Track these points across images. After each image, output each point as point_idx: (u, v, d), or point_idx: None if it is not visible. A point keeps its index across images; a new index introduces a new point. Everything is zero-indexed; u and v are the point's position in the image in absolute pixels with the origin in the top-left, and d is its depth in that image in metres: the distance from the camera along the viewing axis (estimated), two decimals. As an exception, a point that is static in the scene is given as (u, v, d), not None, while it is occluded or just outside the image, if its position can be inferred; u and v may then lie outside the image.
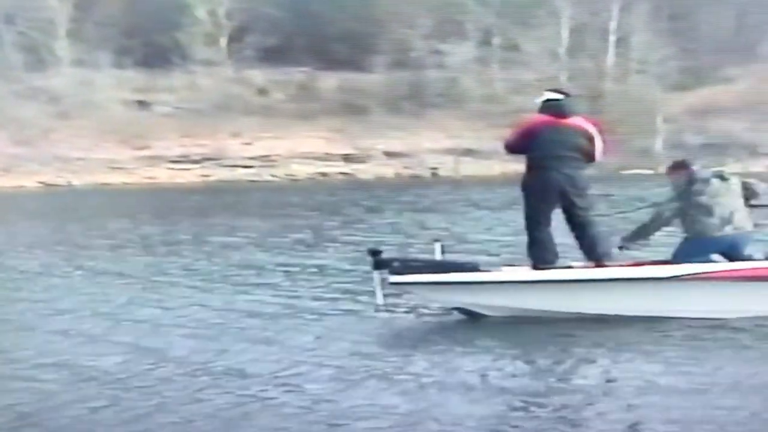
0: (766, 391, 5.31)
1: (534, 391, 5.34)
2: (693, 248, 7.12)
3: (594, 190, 7.54)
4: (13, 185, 37.84)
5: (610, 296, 6.95)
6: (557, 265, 7.26)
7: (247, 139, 43.59)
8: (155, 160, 42.84)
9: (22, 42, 44.46)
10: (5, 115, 39.69)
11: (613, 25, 46.19)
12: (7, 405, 5.24)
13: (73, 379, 5.72)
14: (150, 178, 41.76)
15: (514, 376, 5.66)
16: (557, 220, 7.34)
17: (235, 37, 46.71)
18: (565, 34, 45.82)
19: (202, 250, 13.09)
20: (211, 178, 41.58)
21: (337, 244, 13.43)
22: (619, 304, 6.93)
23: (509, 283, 7.24)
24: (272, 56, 44.78)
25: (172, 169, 42.61)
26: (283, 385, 5.44)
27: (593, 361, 6.01)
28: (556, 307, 7.05)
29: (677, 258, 7.15)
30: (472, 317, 7.27)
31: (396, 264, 7.32)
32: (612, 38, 46.34)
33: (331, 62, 44.64)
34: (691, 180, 7.25)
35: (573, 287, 7.05)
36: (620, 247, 7.36)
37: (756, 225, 7.32)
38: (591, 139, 7.33)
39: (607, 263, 7.20)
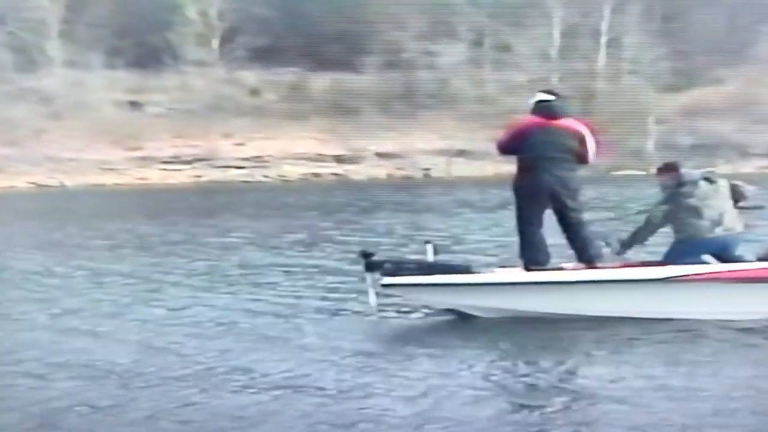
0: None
1: (535, 391, 5.38)
2: (684, 250, 7.15)
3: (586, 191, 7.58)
4: (4, 186, 37.79)
5: (603, 298, 6.96)
6: (549, 266, 7.26)
7: (239, 139, 43.59)
8: (147, 160, 42.81)
9: (13, 42, 44.39)
10: (-4, 116, 39.67)
11: (604, 26, 46.38)
12: (15, 406, 5.28)
13: (81, 379, 5.75)
14: (142, 178, 41.73)
15: (516, 376, 5.69)
16: (549, 221, 7.35)
17: (227, 38, 46.73)
18: (556, 35, 45.97)
19: (201, 251, 13.15)
20: (203, 179, 41.51)
21: (334, 245, 13.48)
22: (612, 305, 6.95)
23: (501, 284, 7.22)
24: (264, 57, 44.79)
25: (164, 169, 42.58)
26: (288, 387, 5.47)
27: (594, 362, 6.01)
28: (547, 309, 7.04)
29: (669, 260, 7.18)
30: (463, 318, 7.27)
31: (388, 266, 7.30)
32: (604, 39, 46.51)
33: (323, 63, 44.66)
34: (680, 182, 7.29)
35: (565, 289, 7.05)
36: (617, 254, 7.38)
37: (746, 226, 7.36)
38: (582, 141, 7.30)
39: (598, 264, 7.22)
